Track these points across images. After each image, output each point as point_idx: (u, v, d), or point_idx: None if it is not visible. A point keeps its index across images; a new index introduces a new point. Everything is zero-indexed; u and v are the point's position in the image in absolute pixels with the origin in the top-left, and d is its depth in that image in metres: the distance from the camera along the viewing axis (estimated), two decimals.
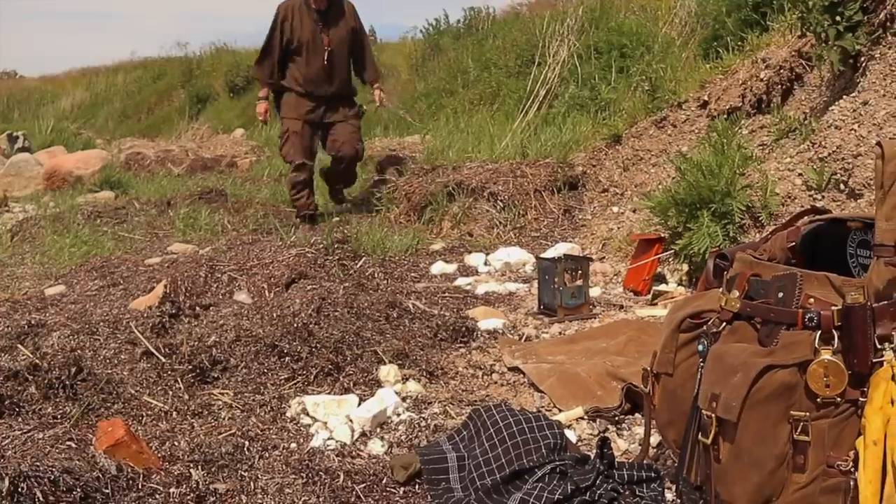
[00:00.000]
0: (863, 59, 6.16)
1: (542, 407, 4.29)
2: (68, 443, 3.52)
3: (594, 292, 6.24)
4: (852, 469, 2.60)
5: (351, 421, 3.99)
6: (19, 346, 4.90)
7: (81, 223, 9.70)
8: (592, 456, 3.31)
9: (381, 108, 11.42)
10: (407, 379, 4.57)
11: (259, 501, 3.23)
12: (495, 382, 4.64)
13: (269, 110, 10.72)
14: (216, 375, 4.54)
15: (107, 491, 3.17)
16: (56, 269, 7.69)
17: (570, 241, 7.94)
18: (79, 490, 3.04)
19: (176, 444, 3.75)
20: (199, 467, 3.49)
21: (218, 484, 3.38)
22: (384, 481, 3.40)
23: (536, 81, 12.35)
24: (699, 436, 2.90)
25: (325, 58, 10.06)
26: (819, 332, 2.65)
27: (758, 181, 6.08)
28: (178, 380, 4.44)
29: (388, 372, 4.58)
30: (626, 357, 4.69)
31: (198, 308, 5.59)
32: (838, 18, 6.04)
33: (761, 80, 7.48)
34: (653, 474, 3.22)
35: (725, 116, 7.60)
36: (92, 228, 9.44)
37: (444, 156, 10.30)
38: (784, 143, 6.59)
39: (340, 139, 10.28)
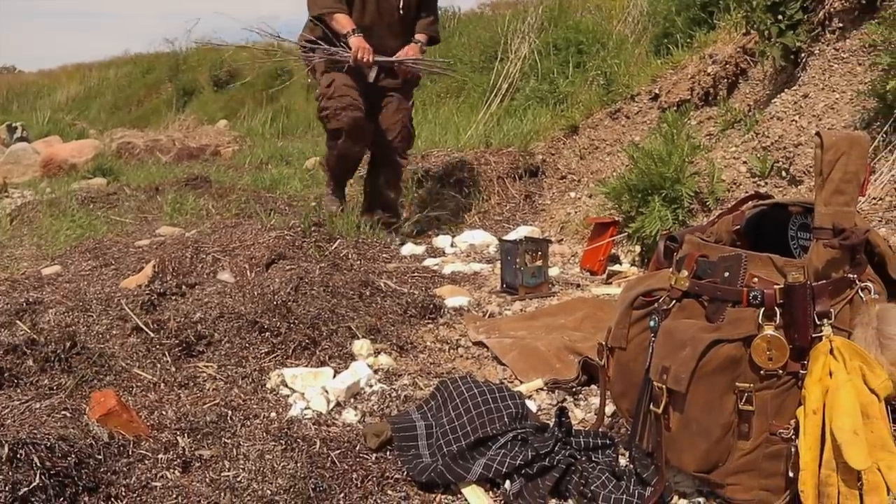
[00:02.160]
0: (803, 55, 6.18)
1: (505, 379, 4.29)
2: (63, 412, 3.49)
3: (553, 272, 6.23)
4: (793, 436, 2.62)
5: (326, 392, 3.98)
6: (18, 322, 4.86)
7: (76, 208, 9.62)
8: (551, 424, 3.31)
9: (400, 63, 7.39)
10: (379, 353, 4.55)
11: (241, 466, 3.21)
12: (461, 356, 4.63)
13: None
14: (201, 349, 4.51)
15: (99, 457, 3.15)
16: (52, 251, 7.64)
17: (531, 225, 7.95)
18: (73, 456, 3.02)
19: (164, 413, 3.72)
20: (186, 435, 3.47)
21: (203, 450, 3.37)
22: (357, 448, 3.39)
23: (499, 76, 12.35)
24: (650, 406, 2.90)
25: (400, 5, 7.34)
26: (762, 309, 2.67)
27: (705, 168, 6.09)
28: (166, 353, 4.41)
29: (361, 346, 4.56)
30: (583, 332, 4.68)
31: (184, 287, 5.55)
32: (780, 17, 6.06)
33: (708, 74, 7.49)
34: (607, 441, 3.23)
35: (675, 108, 7.60)
36: (86, 213, 9.37)
37: (414, 145, 10.28)
38: (730, 133, 6.59)
39: (387, 118, 7.53)
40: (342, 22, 7.16)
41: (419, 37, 7.62)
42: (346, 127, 7.12)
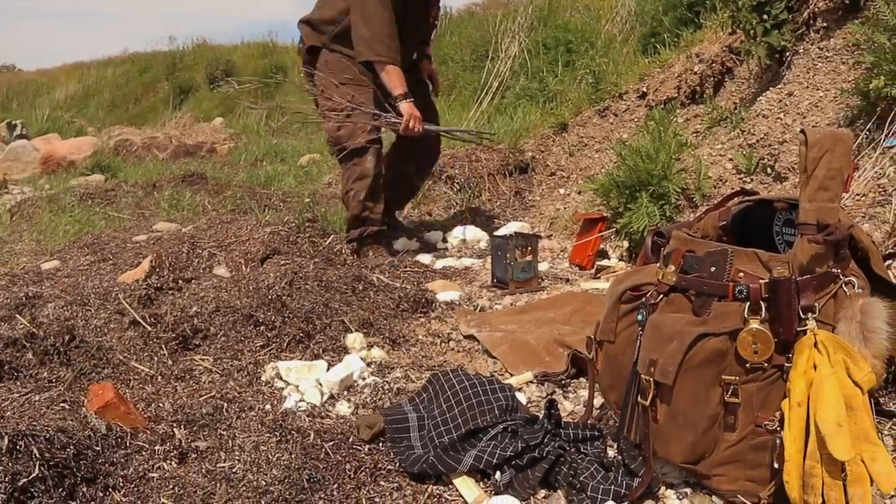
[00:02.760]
0: (788, 53, 6.19)
1: (495, 372, 4.29)
2: (62, 404, 3.50)
3: (542, 267, 6.23)
4: (778, 428, 2.62)
5: (320, 384, 3.97)
6: (17, 315, 4.85)
7: (74, 204, 9.63)
8: (541, 416, 3.31)
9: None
10: (371, 346, 4.55)
11: (237, 458, 3.20)
12: (452, 349, 4.63)
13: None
14: (197, 343, 4.52)
15: (97, 448, 3.15)
16: (51, 246, 7.64)
17: (521, 220, 7.94)
18: (72, 447, 3.02)
19: (161, 405, 3.72)
20: (182, 427, 3.47)
21: (199, 442, 3.36)
22: (351, 440, 3.39)
23: (490, 74, 12.34)
24: (638, 398, 2.90)
25: (432, 24, 6.96)
26: (748, 303, 2.67)
27: (692, 165, 6.08)
28: (163, 347, 4.41)
29: (354, 339, 4.56)
30: (572, 326, 4.68)
31: (181, 281, 5.55)
32: (765, 17, 6.07)
33: (695, 73, 7.50)
34: (596, 433, 3.23)
35: (662, 106, 7.62)
36: (84, 208, 9.38)
37: None
38: (716, 130, 6.60)
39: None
40: (394, 80, 6.28)
41: (429, 51, 7.17)
42: (363, 144, 6.43)
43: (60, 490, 2.86)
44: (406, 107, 6.27)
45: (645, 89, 8.19)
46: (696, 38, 8.14)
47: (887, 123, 4.80)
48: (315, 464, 3.15)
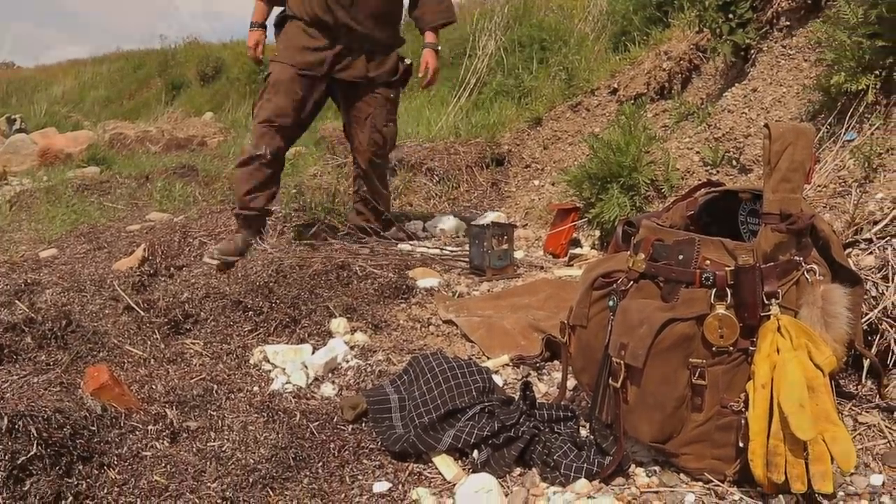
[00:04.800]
0: (752, 51, 6.19)
1: (473, 355, 4.27)
2: (59, 386, 3.54)
3: (518, 255, 6.22)
4: (743, 409, 2.62)
5: (306, 367, 3.96)
6: (17, 301, 4.85)
7: (71, 195, 9.62)
8: (516, 398, 3.30)
9: (426, 86, 6.83)
10: (355, 330, 4.53)
11: (226, 437, 3.20)
12: (432, 333, 4.61)
13: (262, 44, 6.12)
14: (188, 327, 4.51)
15: (93, 428, 3.14)
16: (49, 235, 7.62)
17: (498, 211, 7.93)
18: (69, 427, 3.01)
19: (153, 387, 3.71)
20: (174, 407, 3.46)
21: (190, 422, 3.35)
22: (335, 420, 3.38)
23: (468, 71, 12.32)
24: (609, 380, 2.90)
25: None
26: (714, 289, 2.67)
27: (660, 158, 6.08)
28: (156, 331, 4.41)
29: (338, 324, 4.54)
30: (546, 311, 4.68)
31: (172, 269, 5.56)
32: (731, 16, 6.07)
33: (664, 70, 7.50)
34: (569, 414, 3.22)
35: (632, 102, 7.61)
36: (80, 199, 9.37)
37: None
38: (683, 124, 6.60)
39: (360, 117, 6.21)
40: (254, 9, 6.01)
41: (430, 38, 6.71)
42: (259, 122, 5.89)
43: (57, 468, 2.85)
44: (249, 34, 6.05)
45: (616, 85, 8.18)
46: (665, 37, 8.13)
47: (847, 118, 4.80)
48: (301, 443, 3.15)
